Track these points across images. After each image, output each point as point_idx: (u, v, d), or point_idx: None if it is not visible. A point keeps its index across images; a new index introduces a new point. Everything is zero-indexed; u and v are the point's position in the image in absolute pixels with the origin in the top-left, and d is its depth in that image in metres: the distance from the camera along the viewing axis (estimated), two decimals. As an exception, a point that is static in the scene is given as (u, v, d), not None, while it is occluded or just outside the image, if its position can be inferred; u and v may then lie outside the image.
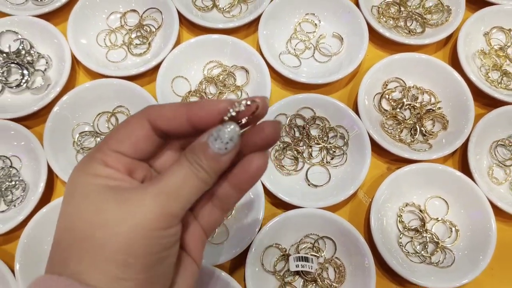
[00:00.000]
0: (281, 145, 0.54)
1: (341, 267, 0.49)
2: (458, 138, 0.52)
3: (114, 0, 0.59)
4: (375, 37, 0.59)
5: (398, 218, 0.52)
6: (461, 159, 0.55)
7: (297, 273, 0.49)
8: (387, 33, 0.57)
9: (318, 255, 0.49)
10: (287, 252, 0.50)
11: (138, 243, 0.23)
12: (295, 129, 0.54)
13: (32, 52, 0.56)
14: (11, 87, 0.54)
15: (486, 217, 0.49)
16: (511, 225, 0.53)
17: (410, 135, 0.55)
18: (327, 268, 0.49)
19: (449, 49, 0.61)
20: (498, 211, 0.50)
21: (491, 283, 0.51)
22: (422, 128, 0.54)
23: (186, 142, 0.27)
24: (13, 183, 0.51)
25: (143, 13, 0.59)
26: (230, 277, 0.46)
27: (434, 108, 0.55)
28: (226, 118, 0.24)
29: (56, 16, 0.58)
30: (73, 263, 0.23)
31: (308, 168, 0.53)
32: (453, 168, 0.52)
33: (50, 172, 0.50)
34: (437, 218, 0.52)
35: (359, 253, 0.48)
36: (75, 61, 0.57)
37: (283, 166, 0.53)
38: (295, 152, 0.53)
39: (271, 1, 0.57)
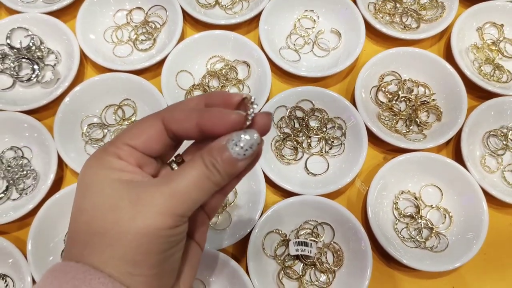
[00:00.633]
0: (281, 136, 0.56)
1: (339, 251, 0.51)
2: (452, 129, 0.54)
3: (120, -2, 0.61)
4: (372, 32, 0.61)
5: (394, 205, 0.54)
6: (454, 149, 0.57)
7: (297, 257, 0.51)
8: (384, 29, 0.59)
9: (317, 240, 0.52)
10: (287, 238, 0.52)
11: (148, 242, 0.24)
12: (295, 120, 0.56)
13: (42, 47, 0.58)
14: (22, 81, 0.56)
15: (478, 203, 0.51)
16: (504, 212, 0.55)
17: (406, 126, 0.57)
18: (326, 253, 0.51)
19: (443, 43, 0.63)
20: (491, 199, 0.52)
21: (484, 267, 0.53)
22: (417, 119, 0.56)
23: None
24: (25, 172, 0.53)
25: (148, 10, 0.61)
26: (233, 261, 0.48)
27: (428, 100, 0.57)
28: (247, 123, 0.25)
29: (65, 13, 0.60)
30: (88, 256, 0.24)
31: (308, 158, 0.56)
32: (447, 157, 0.54)
33: (60, 161, 0.52)
34: (432, 205, 0.54)
35: (357, 238, 0.50)
36: (83, 57, 0.59)
37: (283, 156, 0.55)
38: (295, 142, 0.55)
39: (271, -2, 0.59)
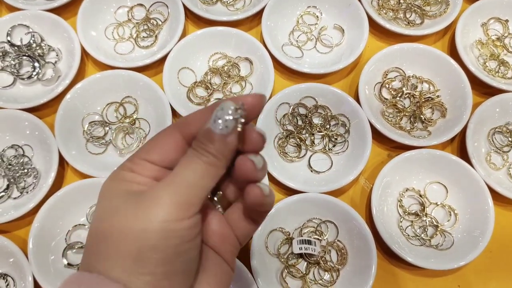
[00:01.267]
0: (284, 133, 0.55)
1: (343, 250, 0.51)
2: (457, 125, 0.54)
3: (121, -5, 0.61)
4: (375, 28, 0.61)
5: (399, 203, 0.53)
6: (459, 146, 0.57)
7: (301, 256, 0.51)
8: (387, 25, 0.58)
9: (320, 238, 0.51)
10: (290, 236, 0.51)
11: (154, 237, 0.23)
12: (298, 117, 0.56)
13: (43, 45, 0.57)
14: (23, 79, 0.56)
15: (484, 200, 0.51)
16: (510, 209, 0.54)
17: (410, 123, 0.56)
18: (330, 251, 0.51)
19: (447, 39, 0.62)
20: (497, 196, 0.52)
21: (490, 265, 0.52)
22: (422, 116, 0.56)
23: None
24: (26, 170, 0.53)
25: (150, 7, 0.61)
26: (236, 259, 0.47)
27: (433, 97, 0.57)
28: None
29: (66, 10, 0.60)
30: (99, 263, 0.24)
31: (311, 155, 0.55)
32: (452, 154, 0.53)
33: (61, 160, 0.52)
34: (437, 203, 0.53)
35: (361, 236, 0.49)
36: (84, 54, 0.59)
37: (286, 154, 0.54)
38: (298, 140, 0.55)
39: (273, -6, 0.59)
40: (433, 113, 0.57)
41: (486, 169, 0.54)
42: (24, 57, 0.57)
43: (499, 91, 0.56)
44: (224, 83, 0.57)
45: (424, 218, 0.52)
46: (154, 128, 0.55)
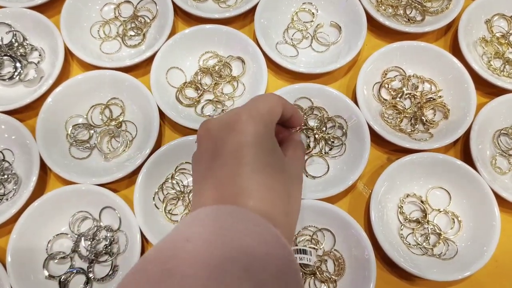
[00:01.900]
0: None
1: (340, 259, 0.48)
2: (460, 127, 0.51)
3: (108, -9, 0.58)
4: (374, 26, 0.58)
5: (399, 210, 0.50)
6: (463, 149, 0.54)
7: (296, 266, 0.48)
8: (386, 22, 0.55)
9: (316, 247, 0.48)
10: (285, 245, 0.49)
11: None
12: (293, 119, 0.53)
13: (25, 44, 0.55)
14: (4, 80, 0.53)
15: (489, 207, 0.48)
16: (516, 216, 0.52)
17: (411, 125, 0.53)
18: (326, 261, 0.48)
19: (449, 37, 0.59)
20: (502, 202, 0.49)
21: (495, 275, 0.49)
22: (423, 118, 0.53)
23: None
24: (5, 176, 0.50)
25: (137, 4, 0.58)
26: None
27: (435, 97, 0.54)
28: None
29: (49, 8, 0.57)
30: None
31: (306, 159, 0.52)
32: (455, 158, 0.50)
33: (43, 165, 0.49)
34: (439, 209, 0.50)
35: (359, 245, 0.47)
36: (68, 53, 0.56)
37: (280, 157, 0.52)
38: (293, 143, 0.52)
39: (267, -10, 0.56)
40: (435, 115, 0.54)
41: (491, 174, 0.51)
42: (5, 57, 0.54)
43: (505, 91, 0.53)
44: (215, 83, 0.54)
45: (426, 226, 0.49)
46: (141, 131, 0.53)
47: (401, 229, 0.49)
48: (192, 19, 0.58)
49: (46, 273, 0.47)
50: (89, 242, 0.48)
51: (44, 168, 0.51)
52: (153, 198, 0.50)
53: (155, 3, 0.57)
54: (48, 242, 0.48)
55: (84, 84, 0.52)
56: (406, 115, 0.54)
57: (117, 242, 0.48)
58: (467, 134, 0.52)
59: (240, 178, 0.29)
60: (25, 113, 0.54)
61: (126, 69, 0.54)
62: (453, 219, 0.50)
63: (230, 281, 0.22)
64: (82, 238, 0.48)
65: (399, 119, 0.53)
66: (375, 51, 0.54)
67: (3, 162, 0.50)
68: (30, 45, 0.55)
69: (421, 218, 0.50)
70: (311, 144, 0.52)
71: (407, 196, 0.51)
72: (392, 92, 0.55)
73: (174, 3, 0.56)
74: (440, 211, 0.50)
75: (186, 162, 0.51)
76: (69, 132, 0.52)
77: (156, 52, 0.53)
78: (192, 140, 0.50)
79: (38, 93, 0.52)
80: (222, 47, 0.56)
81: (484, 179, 0.49)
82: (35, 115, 0.53)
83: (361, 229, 0.47)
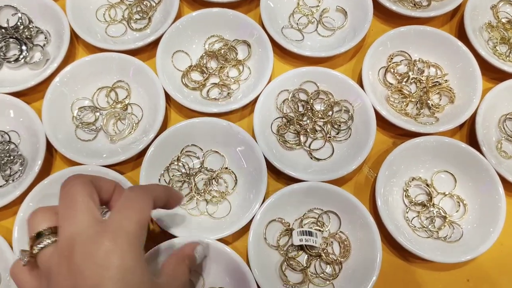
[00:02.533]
0: (284, 120, 0.52)
1: (346, 241, 0.48)
2: (466, 111, 0.51)
3: (113, -25, 0.58)
4: (380, 11, 0.58)
5: (404, 193, 0.50)
6: (468, 133, 0.54)
7: (301, 248, 0.48)
8: (392, 6, 0.55)
9: (322, 229, 0.48)
10: (290, 227, 0.49)
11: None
12: (299, 103, 0.53)
13: (30, 27, 0.55)
14: (10, 62, 0.53)
15: (495, 190, 0.48)
16: (521, 200, 0.52)
17: (416, 109, 0.53)
18: (332, 243, 0.48)
19: (455, 22, 0.59)
20: (508, 186, 0.49)
21: (500, 258, 0.49)
22: (429, 101, 0.53)
23: None
24: (11, 157, 0.50)
25: (143, -13, 0.58)
26: (232, 251, 0.44)
27: (440, 82, 0.54)
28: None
29: (55, -10, 0.57)
30: None
31: (311, 142, 0.52)
32: (461, 142, 0.50)
33: (49, 147, 0.49)
34: (444, 193, 0.50)
35: (365, 227, 0.47)
36: (74, 37, 0.56)
37: (286, 141, 0.52)
38: (298, 126, 0.52)
39: (273, -26, 0.56)
40: (440, 99, 0.54)
41: (497, 158, 0.51)
42: (11, 40, 0.54)
43: (510, 76, 0.53)
44: (221, 67, 0.54)
45: (432, 209, 0.49)
46: (147, 114, 0.53)
47: (407, 212, 0.50)
48: (197, 3, 0.58)
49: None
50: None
51: (50, 150, 0.51)
52: (159, 180, 0.50)
53: (161, -14, 0.57)
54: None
55: (90, 66, 0.52)
56: (412, 100, 0.54)
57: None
58: (472, 118, 0.52)
59: None
60: (30, 95, 0.53)
61: (132, 53, 0.54)
62: (458, 202, 0.50)
63: None
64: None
65: (405, 103, 0.53)
66: (381, 36, 0.54)
67: (10, 144, 0.50)
68: (36, 27, 0.55)
69: (426, 201, 0.50)
70: (317, 128, 0.52)
71: (412, 180, 0.51)
72: (397, 76, 0.55)
73: (180, -13, 0.56)
74: (446, 195, 0.50)
75: (192, 145, 0.51)
76: (75, 115, 0.52)
77: (162, 35, 0.53)
78: (199, 123, 0.50)
79: (43, 76, 0.51)
80: (228, 31, 0.56)
81: (489, 163, 0.49)
82: (40, 98, 0.53)
83: (366, 211, 0.47)
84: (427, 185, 0.51)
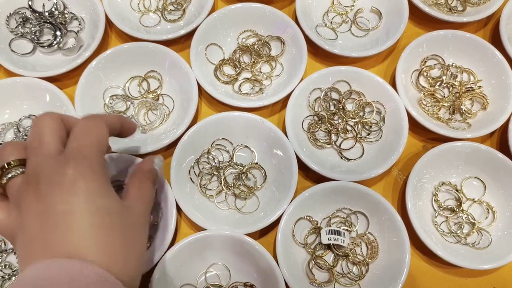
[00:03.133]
0: (315, 118, 0.52)
1: (374, 243, 0.48)
2: (499, 118, 0.51)
3: (149, -35, 0.58)
4: (414, 14, 0.57)
5: (434, 197, 0.50)
6: (499, 140, 0.54)
7: (328, 247, 0.48)
8: (428, 9, 0.55)
9: (350, 229, 0.48)
10: (318, 225, 0.49)
11: None
12: (330, 102, 0.53)
13: (65, 12, 0.55)
14: (43, 47, 0.53)
15: (526, 199, 0.48)
16: (550, 210, 0.51)
17: (449, 114, 0.53)
18: (360, 243, 0.48)
19: (489, 29, 0.59)
20: (538, 195, 0.49)
21: (528, 267, 0.49)
22: (462, 107, 0.52)
23: None
24: (43, 142, 0.50)
25: (178, -21, 0.58)
26: (261, 246, 0.44)
27: (474, 87, 0.53)
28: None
29: (90, -22, 0.57)
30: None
31: (341, 142, 0.52)
32: (496, 150, 0.50)
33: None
34: (474, 199, 0.50)
35: (393, 229, 0.47)
36: (107, 25, 0.56)
37: (316, 139, 0.52)
38: (329, 125, 0.52)
39: (309, -28, 0.56)
40: (472, 105, 0.54)
41: (528, 166, 0.51)
42: (46, 24, 0.54)
43: (545, 84, 0.53)
44: (254, 62, 0.54)
45: (460, 214, 0.49)
46: (179, 105, 0.52)
47: (435, 217, 0.49)
48: (232, -3, 0.58)
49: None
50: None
51: (80, 136, 0.51)
52: (189, 172, 0.50)
53: (196, -21, 0.57)
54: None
55: (126, 54, 0.52)
56: (444, 104, 0.53)
57: (151, 213, 0.48)
58: (505, 126, 0.51)
59: (72, 238, 0.28)
60: (62, 81, 0.53)
61: (165, 43, 0.53)
62: (487, 209, 0.50)
63: None
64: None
65: (437, 108, 0.53)
66: (415, 38, 0.54)
67: (41, 128, 0.50)
68: (71, 13, 0.55)
69: (455, 206, 0.50)
70: (348, 128, 0.52)
71: (442, 184, 0.51)
72: (430, 80, 0.54)
73: (215, -20, 0.55)
74: (475, 201, 0.50)
75: (222, 138, 0.51)
76: (107, 102, 0.52)
77: (197, 27, 0.53)
78: (229, 117, 0.50)
79: (76, 63, 0.51)
80: (262, 27, 0.55)
81: (521, 171, 0.49)
82: (72, 84, 0.53)
83: (396, 214, 0.46)
84: (457, 190, 0.50)
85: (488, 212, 0.50)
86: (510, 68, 0.53)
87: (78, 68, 0.52)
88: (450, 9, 0.57)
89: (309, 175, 0.51)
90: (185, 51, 0.55)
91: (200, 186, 0.49)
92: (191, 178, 0.49)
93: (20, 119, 0.51)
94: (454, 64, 0.55)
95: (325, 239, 0.46)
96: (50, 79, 0.51)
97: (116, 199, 0.32)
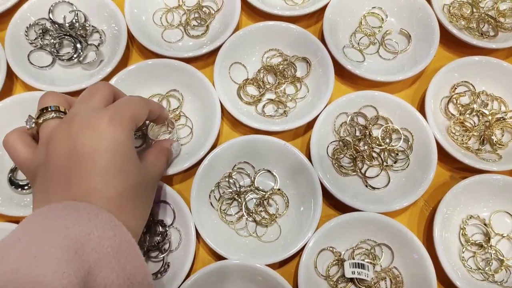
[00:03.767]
0: (340, 143, 0.51)
1: (398, 278, 0.46)
2: (531, 151, 0.49)
3: (173, -21, 0.56)
4: (444, 37, 0.56)
5: (461, 231, 0.48)
6: (531, 174, 0.52)
7: (351, 280, 0.46)
8: (459, 34, 0.53)
9: (374, 262, 0.47)
10: (341, 257, 0.47)
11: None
12: (356, 127, 0.51)
13: (86, 25, 0.53)
14: (62, 60, 0.52)
15: (559, 237, 0.46)
16: None
17: (479, 144, 0.51)
18: (384, 278, 0.46)
19: (522, 56, 0.57)
20: None
21: (557, 308, 0.47)
22: (493, 137, 0.51)
23: None
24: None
25: (203, -7, 0.56)
26: (281, 278, 0.43)
27: (505, 117, 0.52)
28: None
29: (113, -10, 0.55)
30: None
31: (366, 169, 0.50)
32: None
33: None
34: (503, 234, 0.48)
35: (420, 266, 0.45)
36: (129, 39, 0.54)
37: (341, 166, 0.50)
38: (355, 152, 0.50)
39: (338, -9, 0.54)
40: (503, 135, 0.52)
41: (560, 202, 0.49)
42: (66, 37, 0.52)
43: None
44: (278, 82, 0.53)
45: (489, 250, 0.47)
46: (200, 126, 0.51)
47: (463, 252, 0.48)
48: (256, 14, 0.56)
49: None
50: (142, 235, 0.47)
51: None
52: (209, 196, 0.48)
53: (221, -6, 0.55)
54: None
55: (149, 70, 0.50)
56: (474, 133, 0.51)
57: (169, 239, 0.47)
58: (537, 159, 0.50)
59: (92, 180, 0.32)
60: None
61: (187, 60, 0.52)
62: (517, 246, 0.48)
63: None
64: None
65: (466, 137, 0.51)
66: (444, 62, 0.52)
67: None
68: (92, 26, 0.54)
69: (484, 241, 0.48)
70: (374, 155, 0.51)
71: (470, 218, 0.49)
72: (460, 107, 0.53)
73: (240, -4, 0.54)
74: (504, 236, 0.48)
75: (244, 162, 0.49)
76: (126, 120, 0.50)
77: (221, 45, 0.51)
78: (252, 140, 0.48)
79: (97, 78, 0.50)
80: (288, 46, 0.54)
81: (553, 208, 0.47)
82: (91, 99, 0.51)
83: (424, 250, 0.45)
84: (485, 224, 0.49)
85: (517, 249, 0.48)
86: (544, 99, 0.51)
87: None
88: (482, 34, 0.55)
89: (332, 203, 0.50)
90: (207, 69, 0.54)
91: (220, 211, 0.48)
92: (211, 203, 0.48)
93: (37, 134, 0.49)
94: (484, 92, 0.53)
95: (348, 272, 0.45)
96: (69, 94, 0.50)
97: (137, 157, 0.36)
